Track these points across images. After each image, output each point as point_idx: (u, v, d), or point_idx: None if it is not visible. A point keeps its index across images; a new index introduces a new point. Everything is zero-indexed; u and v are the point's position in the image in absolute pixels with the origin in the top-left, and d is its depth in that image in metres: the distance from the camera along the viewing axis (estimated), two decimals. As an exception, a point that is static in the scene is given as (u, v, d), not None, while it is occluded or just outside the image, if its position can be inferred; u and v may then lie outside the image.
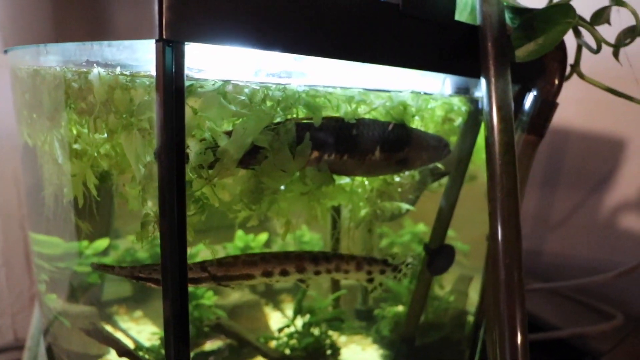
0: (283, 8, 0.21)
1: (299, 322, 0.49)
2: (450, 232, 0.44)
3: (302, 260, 0.30)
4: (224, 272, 0.28)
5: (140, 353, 0.41)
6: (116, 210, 0.44)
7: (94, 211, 0.32)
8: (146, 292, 0.58)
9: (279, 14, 0.21)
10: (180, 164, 0.20)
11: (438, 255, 0.39)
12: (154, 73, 0.19)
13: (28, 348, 0.60)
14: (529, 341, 0.59)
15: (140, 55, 0.23)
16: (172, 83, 0.19)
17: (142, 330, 0.52)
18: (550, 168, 0.77)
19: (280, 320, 0.55)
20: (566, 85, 0.36)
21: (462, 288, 0.57)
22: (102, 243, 0.52)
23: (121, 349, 0.37)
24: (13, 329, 1.69)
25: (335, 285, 0.57)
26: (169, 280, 0.21)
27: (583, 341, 0.60)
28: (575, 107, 0.69)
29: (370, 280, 0.34)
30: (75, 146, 0.28)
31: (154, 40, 0.19)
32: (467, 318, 0.56)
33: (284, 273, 0.30)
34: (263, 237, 0.59)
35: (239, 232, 0.55)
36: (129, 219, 0.44)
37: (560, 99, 0.36)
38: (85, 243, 0.47)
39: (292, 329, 0.49)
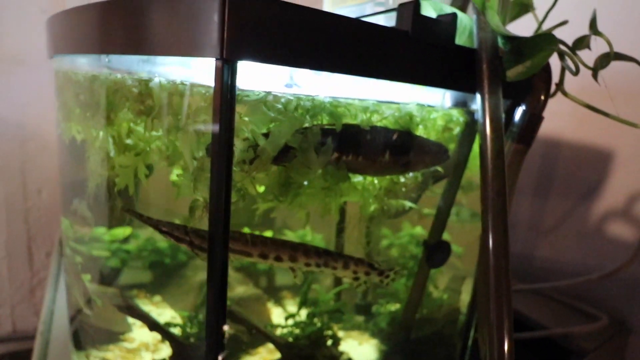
0: (317, 34, 0.25)
1: (303, 313, 0.53)
2: (446, 236, 0.48)
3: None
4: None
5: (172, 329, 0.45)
6: (140, 202, 0.49)
7: (136, 199, 0.37)
8: (165, 279, 0.62)
9: (313, 39, 0.25)
10: (229, 159, 0.25)
11: (436, 250, 0.44)
12: (208, 83, 0.24)
13: (40, 333, 0.64)
14: (519, 340, 0.62)
15: (192, 71, 0.27)
16: (227, 94, 0.24)
17: (162, 313, 0.56)
18: (542, 177, 0.81)
19: (281, 316, 0.59)
20: (558, 100, 0.40)
21: (455, 287, 0.61)
22: (125, 231, 0.57)
23: (151, 323, 0.41)
24: (12, 320, 1.73)
25: (338, 281, 0.61)
26: (216, 252, 0.25)
27: (570, 340, 0.64)
28: (566, 119, 0.74)
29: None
30: (128, 141, 0.32)
31: (214, 59, 0.24)
32: (459, 314, 0.59)
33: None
34: (268, 234, 0.63)
35: (245, 229, 0.59)
36: (153, 210, 0.49)
37: (552, 112, 0.40)
38: (116, 229, 0.51)
39: (297, 318, 0.53)
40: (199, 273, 0.63)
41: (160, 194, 0.38)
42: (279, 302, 0.65)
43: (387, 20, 0.39)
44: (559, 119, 0.73)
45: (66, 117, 0.42)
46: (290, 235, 0.67)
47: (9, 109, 1.47)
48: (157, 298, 0.60)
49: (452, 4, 0.40)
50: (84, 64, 0.37)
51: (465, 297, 0.58)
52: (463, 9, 0.40)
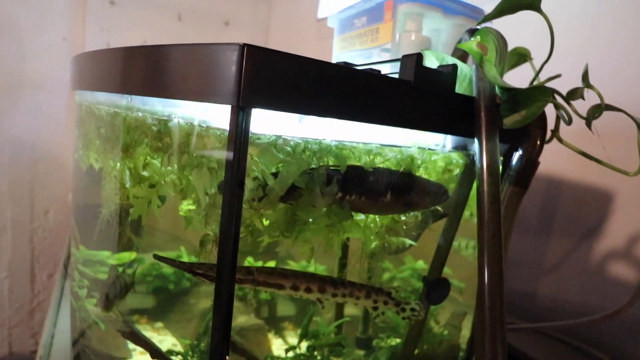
0: (326, 84, 0.27)
1: (304, 345, 0.54)
2: (448, 271, 0.49)
3: (324, 282, 0.36)
4: (263, 278, 0.34)
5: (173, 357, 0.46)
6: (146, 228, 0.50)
7: (141, 226, 0.38)
8: (168, 305, 0.63)
9: (322, 89, 0.27)
10: (240, 197, 0.26)
11: (435, 286, 0.45)
12: (222, 125, 0.26)
13: (40, 357, 0.64)
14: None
15: (210, 114, 0.29)
16: (241, 137, 0.26)
17: (163, 340, 0.57)
18: (544, 216, 0.82)
19: (281, 347, 0.59)
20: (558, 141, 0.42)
21: (456, 323, 0.61)
22: (131, 255, 0.58)
23: (154, 351, 0.42)
24: (9, 342, 1.71)
25: (339, 314, 0.62)
26: (223, 282, 0.27)
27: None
28: (568, 160, 0.76)
29: (375, 308, 0.39)
30: (144, 173, 0.34)
31: (230, 106, 0.26)
32: (459, 351, 0.59)
33: (308, 290, 0.35)
34: (271, 264, 0.64)
35: (249, 259, 0.60)
36: (155, 237, 0.50)
37: (552, 152, 0.42)
38: (121, 254, 0.52)
39: (297, 351, 0.53)
40: (202, 300, 0.64)
41: (165, 221, 0.40)
42: (279, 332, 0.65)
43: (392, 66, 0.42)
44: (559, 160, 0.75)
45: (85, 146, 0.45)
46: (293, 266, 0.68)
47: (23, 130, 1.52)
48: (159, 324, 0.60)
49: (453, 54, 0.43)
50: (104, 98, 0.40)
51: (465, 333, 0.58)
52: (463, 58, 0.43)
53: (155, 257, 0.33)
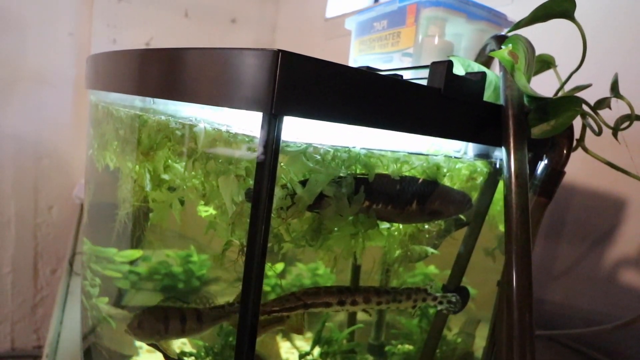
0: (357, 92, 0.27)
1: (316, 351, 0.53)
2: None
3: (368, 293, 0.36)
4: (312, 300, 0.34)
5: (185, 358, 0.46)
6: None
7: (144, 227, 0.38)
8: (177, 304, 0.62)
9: (353, 96, 0.27)
10: (270, 206, 0.26)
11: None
12: (252, 134, 0.25)
13: (46, 355, 0.64)
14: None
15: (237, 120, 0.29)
16: (272, 145, 0.25)
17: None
18: (555, 222, 0.81)
19: (289, 351, 0.58)
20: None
21: (469, 330, 0.61)
22: (136, 253, 0.57)
23: (168, 354, 0.41)
24: (11, 337, 1.71)
25: (352, 319, 0.61)
26: (250, 294, 0.26)
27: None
28: (581, 165, 0.75)
29: (414, 307, 0.40)
30: (164, 176, 0.34)
31: (262, 113, 0.25)
32: (473, 359, 0.59)
33: (354, 303, 0.35)
34: (279, 266, 0.64)
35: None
36: (164, 237, 0.49)
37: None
38: (126, 251, 0.52)
39: (309, 357, 0.52)
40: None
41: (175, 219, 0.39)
42: (287, 335, 0.65)
43: (413, 72, 0.41)
44: (571, 164, 0.74)
45: (101, 146, 0.44)
46: (302, 268, 0.67)
47: (27, 126, 1.51)
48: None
49: (477, 60, 0.42)
50: (122, 99, 0.39)
51: (479, 341, 0.57)
52: (486, 64, 0.42)
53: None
